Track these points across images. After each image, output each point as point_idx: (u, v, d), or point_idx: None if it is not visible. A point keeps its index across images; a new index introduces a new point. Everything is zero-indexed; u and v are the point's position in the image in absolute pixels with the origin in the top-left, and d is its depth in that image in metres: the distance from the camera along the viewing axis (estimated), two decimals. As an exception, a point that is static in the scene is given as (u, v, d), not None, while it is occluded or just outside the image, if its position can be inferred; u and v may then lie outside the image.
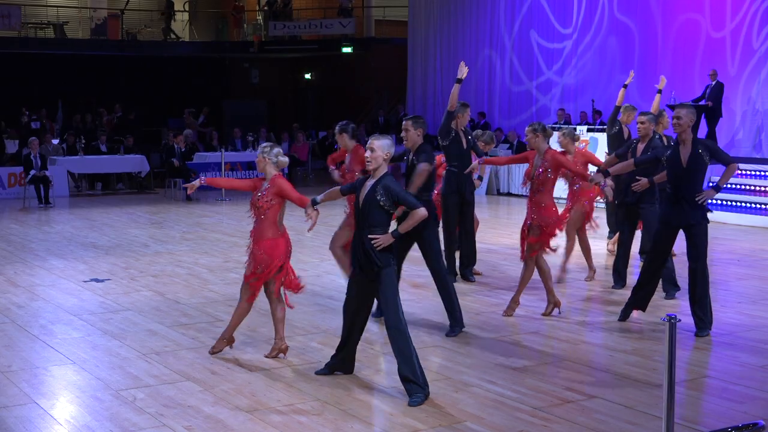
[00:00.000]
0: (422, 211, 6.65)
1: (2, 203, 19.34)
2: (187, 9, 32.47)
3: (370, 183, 6.75)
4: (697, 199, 8.17)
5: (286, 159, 7.55)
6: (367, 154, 6.76)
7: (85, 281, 10.84)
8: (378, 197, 6.63)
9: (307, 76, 33.13)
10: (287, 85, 33.00)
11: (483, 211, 18.27)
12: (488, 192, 20.94)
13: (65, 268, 11.66)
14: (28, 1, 29.17)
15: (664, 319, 4.91)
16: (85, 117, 25.84)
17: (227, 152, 21.89)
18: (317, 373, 7.17)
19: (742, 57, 19.22)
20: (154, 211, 18.07)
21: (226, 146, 22.97)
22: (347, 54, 30.33)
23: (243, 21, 31.57)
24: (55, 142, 21.91)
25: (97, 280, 10.88)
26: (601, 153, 18.59)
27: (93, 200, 20.09)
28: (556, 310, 9.09)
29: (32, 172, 18.84)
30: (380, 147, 6.72)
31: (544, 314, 9.06)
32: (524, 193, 9.25)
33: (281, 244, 7.40)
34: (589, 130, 19.41)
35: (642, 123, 9.80)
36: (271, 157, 7.42)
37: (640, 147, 9.73)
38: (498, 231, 14.37)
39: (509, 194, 20.73)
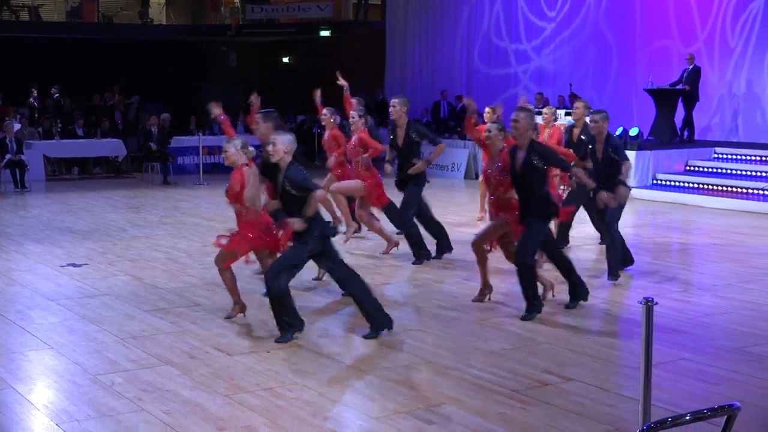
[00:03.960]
0: (320, 193, 7.42)
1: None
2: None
3: (281, 175, 7.56)
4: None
5: (253, 149, 8.22)
6: (270, 148, 7.53)
7: (62, 266, 10.78)
8: (288, 188, 7.45)
9: (285, 59, 33.01)
10: (265, 69, 32.87)
11: (462, 194, 18.34)
12: (466, 176, 20.98)
13: (42, 253, 11.60)
14: (3, -17, 28.92)
15: (640, 302, 4.94)
16: (62, 100, 25.58)
17: (205, 136, 21.81)
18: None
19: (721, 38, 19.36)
20: (132, 195, 17.98)
21: (204, 130, 22.85)
22: (325, 38, 30.25)
23: (220, 4, 31.41)
24: (17, 126, 21.29)
25: (74, 265, 10.82)
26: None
27: (69, 185, 19.95)
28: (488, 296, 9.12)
29: (8, 156, 18.69)
30: (282, 142, 7.48)
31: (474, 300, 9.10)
32: None
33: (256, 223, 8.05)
34: (567, 114, 19.45)
35: (595, 122, 9.72)
36: (245, 152, 8.04)
37: (599, 148, 9.78)
38: (476, 214, 14.38)
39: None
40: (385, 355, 7.33)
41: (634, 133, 18.18)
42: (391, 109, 10.91)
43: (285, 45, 32.51)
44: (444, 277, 10.27)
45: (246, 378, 6.69)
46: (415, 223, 10.99)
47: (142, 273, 10.41)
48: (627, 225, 14.66)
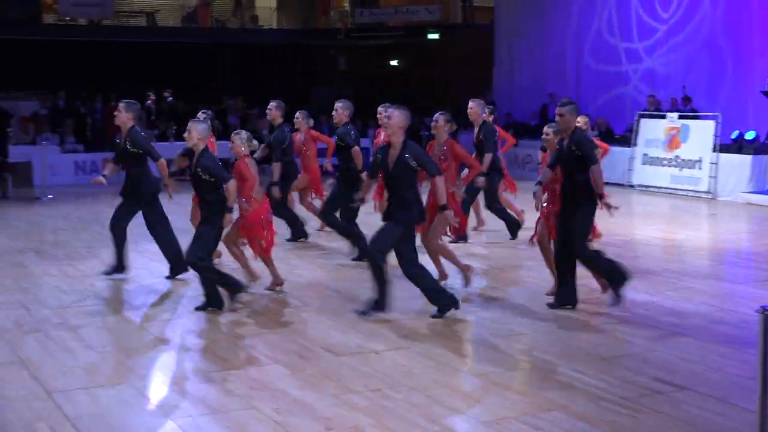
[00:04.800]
0: (231, 183, 8.41)
1: (100, 188, 19.73)
2: (274, -3, 32.79)
3: (194, 160, 8.60)
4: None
5: (256, 143, 9.58)
6: (185, 134, 8.52)
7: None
8: (200, 173, 8.45)
9: (393, 62, 33.13)
10: (374, 72, 33.04)
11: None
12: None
13: (158, 252, 11.84)
14: (121, -11, 29.90)
15: (757, 311, 4.81)
16: (177, 103, 26.20)
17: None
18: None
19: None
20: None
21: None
22: (433, 40, 30.23)
23: (330, 8, 31.71)
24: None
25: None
26: (695, 141, 18.34)
27: (188, 185, 20.28)
28: None
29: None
30: (196, 130, 8.46)
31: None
32: None
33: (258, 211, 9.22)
34: (680, 117, 19.06)
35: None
36: (249, 144, 9.20)
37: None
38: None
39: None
40: (493, 358, 7.28)
41: (751, 137, 17.69)
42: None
43: (393, 48, 32.62)
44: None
45: (354, 379, 6.73)
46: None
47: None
48: (742, 231, 14.31)
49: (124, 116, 9.78)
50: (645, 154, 19.56)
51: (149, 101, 24.56)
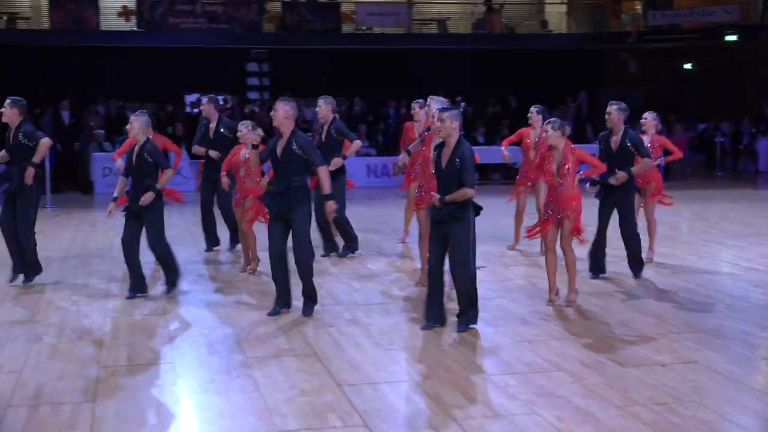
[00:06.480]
0: (168, 172, 9.55)
1: (385, 191, 20.47)
2: (565, 1, 32.46)
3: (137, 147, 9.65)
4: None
5: (260, 130, 10.32)
6: (127, 126, 9.72)
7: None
8: (146, 157, 9.48)
9: (687, 66, 31.87)
10: (665, 75, 31.94)
11: None
12: None
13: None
14: (415, -1, 30.83)
15: None
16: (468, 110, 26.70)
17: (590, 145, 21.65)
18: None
19: None
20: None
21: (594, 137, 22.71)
22: (731, 42, 28.77)
23: (621, 11, 30.99)
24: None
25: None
26: None
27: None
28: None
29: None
30: (138, 122, 9.49)
31: None
32: None
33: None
34: None
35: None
36: (255, 132, 10.22)
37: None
38: None
39: None
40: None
41: None
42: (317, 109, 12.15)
43: (687, 51, 31.39)
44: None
45: (639, 390, 6.54)
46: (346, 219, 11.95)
47: (537, 277, 10.51)
48: None
49: (10, 113, 10.00)
50: None
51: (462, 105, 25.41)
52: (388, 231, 14.44)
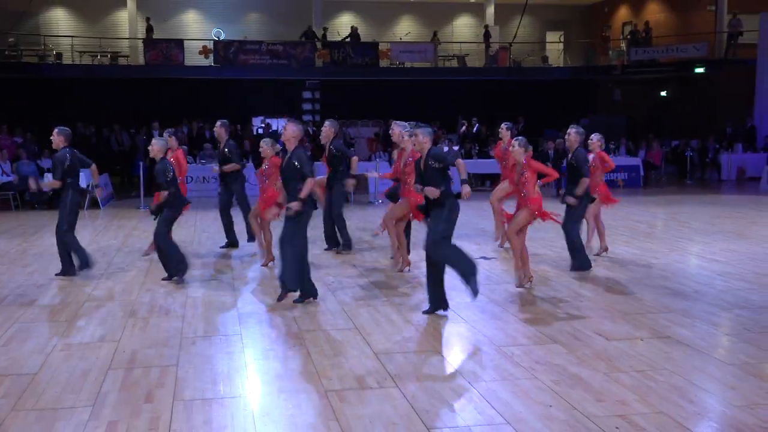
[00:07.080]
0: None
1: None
2: (561, 40, 32.28)
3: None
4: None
5: (279, 145, 10.20)
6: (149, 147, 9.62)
7: (475, 258, 11.09)
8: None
9: (663, 93, 31.57)
10: (645, 102, 31.66)
11: None
12: None
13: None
14: (441, 38, 30.72)
15: None
16: (482, 129, 26.56)
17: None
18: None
19: None
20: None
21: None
22: (700, 74, 28.47)
23: (608, 48, 30.79)
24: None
25: (485, 258, 11.15)
26: None
27: (481, 194, 20.54)
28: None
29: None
30: (157, 143, 9.54)
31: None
32: None
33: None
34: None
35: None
36: (273, 148, 10.23)
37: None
38: None
39: None
40: (748, 351, 6.73)
41: None
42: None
43: (663, 81, 31.09)
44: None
45: (622, 360, 6.48)
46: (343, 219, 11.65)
47: (538, 267, 10.44)
48: None
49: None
50: None
51: (463, 128, 25.27)
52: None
